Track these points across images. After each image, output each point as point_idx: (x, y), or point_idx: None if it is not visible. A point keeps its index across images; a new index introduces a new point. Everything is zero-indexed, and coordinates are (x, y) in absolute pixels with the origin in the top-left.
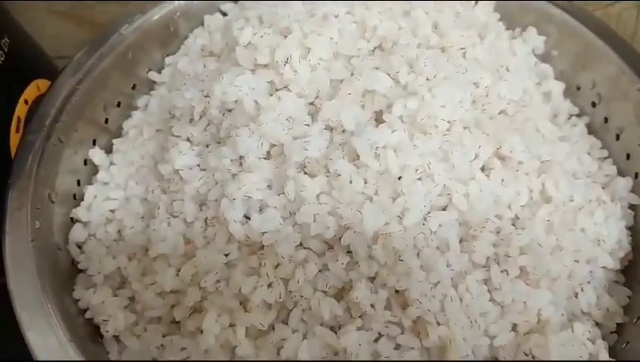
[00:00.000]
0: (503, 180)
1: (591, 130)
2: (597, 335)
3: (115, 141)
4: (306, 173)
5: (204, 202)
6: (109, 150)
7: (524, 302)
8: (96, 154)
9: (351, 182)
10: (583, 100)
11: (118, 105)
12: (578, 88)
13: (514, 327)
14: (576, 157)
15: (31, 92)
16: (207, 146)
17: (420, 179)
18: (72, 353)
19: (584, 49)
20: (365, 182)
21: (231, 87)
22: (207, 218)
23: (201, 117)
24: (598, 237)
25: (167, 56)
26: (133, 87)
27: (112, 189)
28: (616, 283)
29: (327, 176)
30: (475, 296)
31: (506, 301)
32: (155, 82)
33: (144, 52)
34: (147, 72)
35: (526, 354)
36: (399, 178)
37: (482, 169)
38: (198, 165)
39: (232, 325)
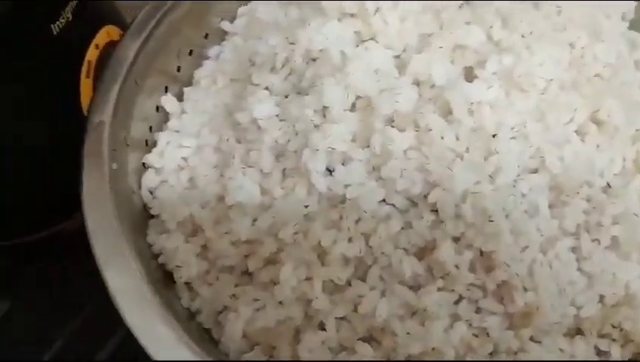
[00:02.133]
0: (598, 146)
1: None
2: None
3: (185, 89)
4: (393, 127)
5: (282, 153)
6: (179, 99)
7: (614, 274)
8: (169, 102)
9: (442, 137)
10: None
11: (190, 53)
12: None
13: (600, 299)
14: None
15: (102, 37)
16: (286, 97)
17: (514, 138)
18: (148, 293)
19: None
20: (457, 139)
21: (317, 34)
22: (285, 169)
23: (283, 65)
24: None
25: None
26: (206, 37)
27: (185, 137)
28: None
29: (417, 131)
30: (564, 263)
31: (595, 271)
32: (226, 33)
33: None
34: (219, 22)
35: (614, 327)
36: (493, 136)
37: (576, 132)
38: (277, 115)
39: (308, 278)
